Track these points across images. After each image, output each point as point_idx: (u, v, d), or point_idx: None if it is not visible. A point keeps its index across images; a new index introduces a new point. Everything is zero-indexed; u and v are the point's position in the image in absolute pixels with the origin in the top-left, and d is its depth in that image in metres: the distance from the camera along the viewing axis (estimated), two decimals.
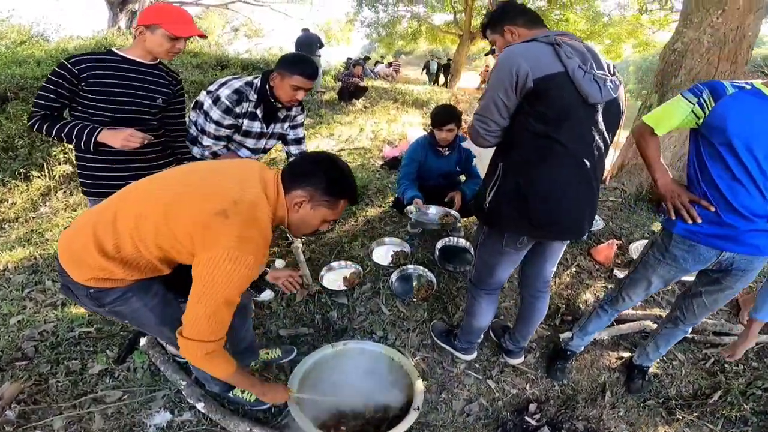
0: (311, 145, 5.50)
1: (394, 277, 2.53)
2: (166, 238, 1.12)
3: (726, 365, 2.21)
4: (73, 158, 2.67)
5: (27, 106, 5.80)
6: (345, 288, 2.44)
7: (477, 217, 1.65)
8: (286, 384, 1.62)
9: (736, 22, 3.70)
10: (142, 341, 1.96)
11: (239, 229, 1.08)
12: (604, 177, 3.86)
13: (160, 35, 1.66)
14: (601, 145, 1.42)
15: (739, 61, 3.71)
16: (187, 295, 1.11)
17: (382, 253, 2.77)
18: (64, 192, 3.99)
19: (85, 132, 1.62)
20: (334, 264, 2.64)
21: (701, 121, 1.41)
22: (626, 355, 2.22)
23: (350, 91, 7.87)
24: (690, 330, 1.85)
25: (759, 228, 1.40)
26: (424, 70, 14.46)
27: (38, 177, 3.99)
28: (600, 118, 1.38)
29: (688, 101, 1.44)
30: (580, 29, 14.98)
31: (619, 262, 2.93)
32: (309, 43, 8.22)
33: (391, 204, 3.46)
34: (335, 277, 2.55)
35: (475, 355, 2.07)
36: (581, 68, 1.31)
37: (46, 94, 1.61)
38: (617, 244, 2.95)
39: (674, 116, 1.47)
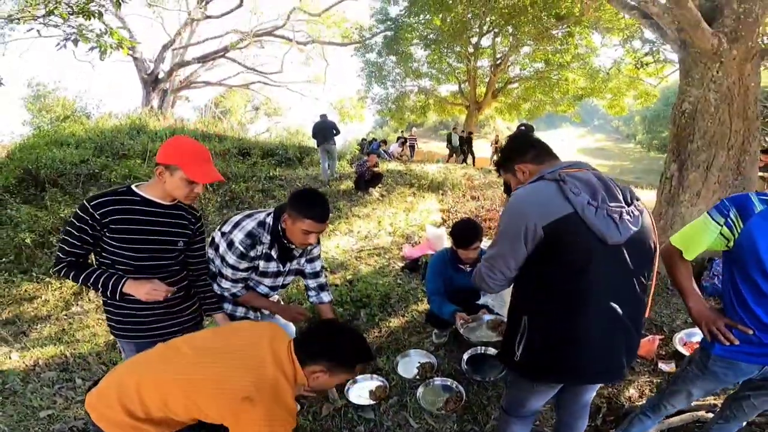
0: (331, 244, 5.47)
1: (420, 389, 2.49)
2: (198, 413, 1.22)
3: None
4: None
5: (65, 196, 6.09)
6: (372, 402, 2.41)
7: (511, 369, 1.57)
8: None
9: (736, 73, 3.65)
10: None
11: (267, 410, 1.19)
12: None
13: (179, 178, 1.58)
14: (635, 287, 1.33)
15: (749, 116, 3.64)
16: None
17: (408, 366, 2.74)
18: (96, 293, 4.17)
19: (111, 282, 1.61)
20: (359, 378, 2.61)
21: (731, 243, 1.36)
22: None
23: (366, 180, 7.92)
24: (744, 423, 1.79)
25: None
26: (448, 144, 14.95)
27: None
28: (627, 258, 1.28)
29: (717, 222, 1.37)
30: (580, 87, 15.47)
31: (663, 353, 2.82)
32: (324, 128, 8.56)
33: (420, 310, 3.46)
34: (361, 391, 2.52)
35: None
36: (591, 204, 1.23)
37: (71, 240, 1.57)
38: (659, 339, 2.86)
39: (702, 239, 1.42)
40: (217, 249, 1.98)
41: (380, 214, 6.95)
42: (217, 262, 1.99)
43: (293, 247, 1.98)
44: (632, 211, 1.30)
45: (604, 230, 1.23)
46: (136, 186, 1.66)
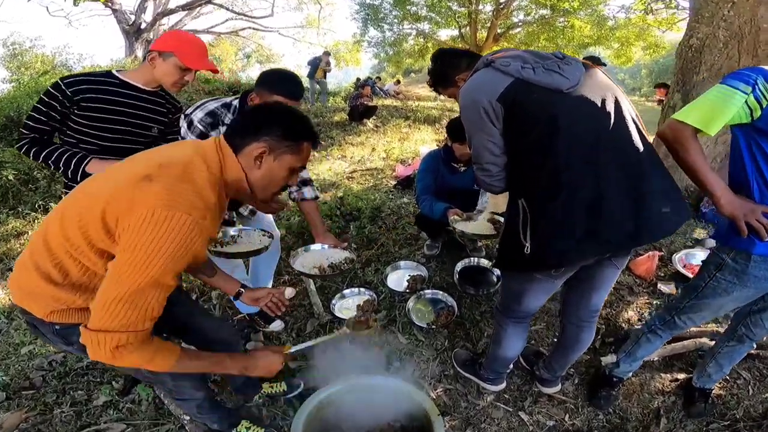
0: (323, 167, 5.53)
1: (410, 303, 2.38)
2: (97, 231, 0.93)
3: None
4: None
5: None
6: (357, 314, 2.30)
7: (518, 269, 1.43)
8: (290, 425, 1.46)
9: (748, 14, 3.59)
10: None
11: (166, 186, 0.90)
12: None
13: (172, 64, 1.59)
14: (629, 130, 1.25)
15: (760, 54, 3.57)
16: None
17: (398, 278, 2.64)
18: (57, 172, 4.10)
19: (74, 161, 1.56)
20: (347, 292, 2.52)
21: (759, 114, 1.20)
22: (681, 376, 2.02)
23: (360, 111, 7.96)
24: (755, 345, 1.68)
25: None
26: None
27: None
28: (589, 94, 1.24)
29: (742, 92, 1.20)
30: (586, 35, 14.92)
31: (662, 274, 2.72)
32: (315, 64, 8.77)
33: (412, 223, 3.35)
34: (348, 305, 2.43)
35: (504, 385, 1.91)
36: (525, 67, 1.25)
37: (36, 115, 1.55)
38: (658, 256, 2.75)
39: (726, 110, 1.21)
40: (179, 133, 1.85)
41: (374, 142, 7.03)
42: None
43: None
44: (568, 60, 1.30)
45: (550, 80, 1.24)
46: (117, 71, 1.66)
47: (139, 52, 14.68)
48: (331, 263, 1.85)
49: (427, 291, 2.50)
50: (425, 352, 2.11)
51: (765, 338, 2.05)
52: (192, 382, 1.37)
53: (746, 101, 1.19)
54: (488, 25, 16.54)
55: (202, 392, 1.43)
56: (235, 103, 1.82)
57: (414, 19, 16.87)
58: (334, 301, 2.42)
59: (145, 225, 0.86)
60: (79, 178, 1.56)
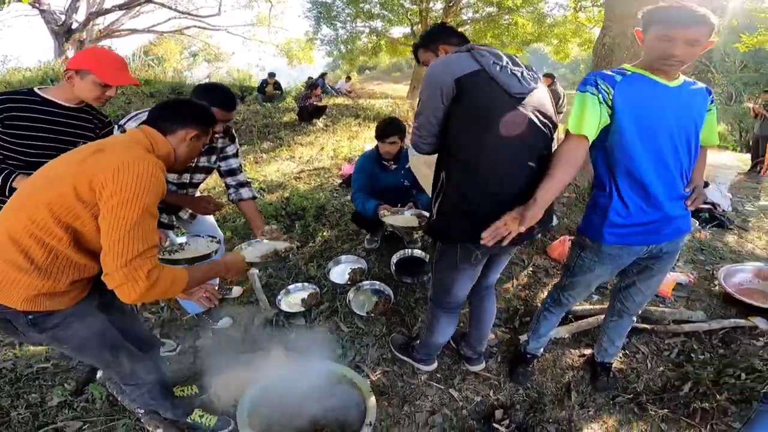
0: (271, 168, 5.49)
1: (351, 294, 2.55)
2: (67, 205, 1.11)
3: (692, 354, 2.20)
4: None
5: None
6: (303, 309, 2.45)
7: (430, 235, 1.65)
8: (235, 414, 1.63)
9: None
10: (99, 374, 1.97)
11: (120, 149, 1.17)
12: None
13: (91, 81, 1.61)
14: (535, 134, 1.42)
15: None
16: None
17: (340, 272, 2.79)
18: None
19: (0, 176, 1.57)
20: (291, 287, 2.64)
21: (611, 112, 1.38)
22: (588, 351, 2.21)
23: (309, 111, 7.91)
24: (636, 318, 1.88)
25: (678, 211, 1.48)
26: None
27: None
28: (530, 110, 1.40)
29: (591, 93, 1.38)
30: (528, 32, 15.49)
31: None
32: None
33: (350, 219, 3.48)
34: (293, 299, 2.56)
35: (435, 365, 2.07)
36: (496, 63, 1.38)
37: None
38: (570, 240, 2.99)
39: (593, 112, 1.37)
40: None
41: (323, 141, 7.00)
42: None
43: None
44: (532, 74, 1.46)
45: (507, 81, 1.38)
46: (39, 88, 1.66)
47: (70, 53, 13.77)
48: (275, 250, 2.01)
49: (366, 282, 2.66)
50: (365, 338, 2.27)
51: (659, 314, 2.37)
52: (145, 366, 1.50)
53: (599, 100, 1.37)
54: (439, 22, 16.83)
55: (153, 375, 1.54)
56: None
57: (367, 16, 16.66)
58: (279, 297, 2.54)
59: (121, 173, 1.08)
60: (7, 193, 1.57)
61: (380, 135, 2.68)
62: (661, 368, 2.13)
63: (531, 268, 2.90)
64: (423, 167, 2.22)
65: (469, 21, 17.01)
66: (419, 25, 16.87)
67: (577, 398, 1.96)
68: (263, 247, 2.08)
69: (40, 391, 1.97)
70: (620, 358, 2.19)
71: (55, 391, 1.95)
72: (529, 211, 1.31)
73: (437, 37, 1.64)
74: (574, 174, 1.40)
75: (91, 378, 1.98)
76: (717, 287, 2.75)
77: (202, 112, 1.44)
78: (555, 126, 1.52)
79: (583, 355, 2.20)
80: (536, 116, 1.42)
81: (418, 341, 2.04)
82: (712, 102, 1.51)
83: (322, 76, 13.58)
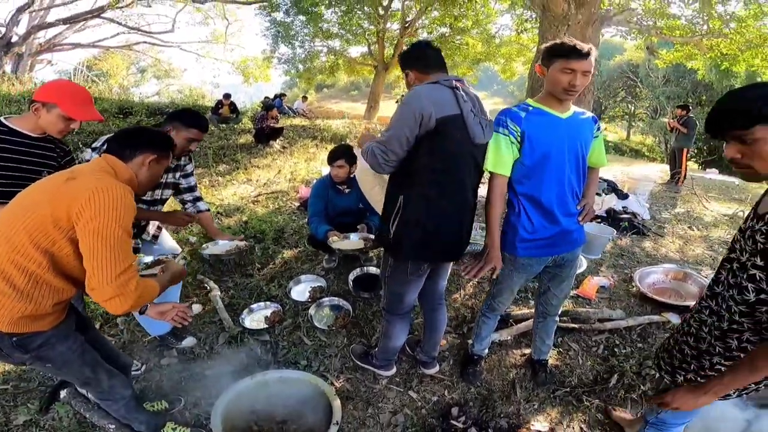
0: (227, 192, 5.43)
1: (312, 310, 2.70)
2: (45, 232, 1.20)
3: (615, 349, 2.48)
4: None
5: None
6: (266, 326, 2.56)
7: (383, 247, 1.84)
8: (206, 426, 1.75)
9: (579, 35, 4.18)
10: (63, 393, 1.97)
11: (90, 175, 1.27)
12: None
13: (56, 114, 1.66)
14: (477, 178, 1.75)
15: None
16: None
17: (300, 290, 2.94)
18: None
19: None
20: (254, 306, 2.75)
21: (519, 146, 1.65)
22: (528, 351, 2.40)
23: (266, 133, 7.86)
24: (558, 318, 2.13)
25: (572, 225, 1.77)
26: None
27: None
28: (479, 156, 1.69)
29: (503, 134, 1.65)
30: (478, 51, 16.36)
31: None
32: None
33: (306, 242, 3.61)
34: (256, 318, 2.67)
35: (394, 370, 2.23)
36: (472, 112, 1.59)
37: None
38: None
39: (506, 152, 1.65)
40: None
41: (281, 164, 6.96)
42: None
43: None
44: (490, 123, 1.69)
45: (476, 132, 1.61)
46: (4, 117, 1.70)
47: (8, 67, 13.08)
48: (237, 246, 2.55)
49: (326, 299, 2.82)
50: (328, 350, 2.41)
51: (584, 314, 2.68)
52: (122, 381, 1.60)
53: (509, 140, 1.64)
54: (395, 42, 17.15)
55: (129, 390, 1.64)
56: None
57: (325, 36, 16.97)
58: (242, 316, 2.64)
59: (97, 199, 1.19)
60: None
61: (329, 159, 2.92)
62: (590, 363, 2.40)
63: (476, 279, 3.16)
64: (373, 188, 2.36)
65: (424, 41, 17.63)
66: (376, 45, 17.45)
67: (523, 393, 2.16)
68: (226, 245, 2.66)
69: (2, 411, 1.97)
70: (555, 355, 2.43)
71: (20, 410, 1.95)
72: (491, 254, 1.72)
73: (419, 57, 1.74)
74: (504, 204, 1.74)
75: (54, 397, 1.99)
76: (634, 288, 3.13)
77: (158, 137, 1.54)
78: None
79: (524, 355, 2.43)
80: (480, 161, 1.72)
81: (376, 350, 2.20)
82: (598, 129, 1.82)
83: (281, 96, 13.47)
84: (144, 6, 15.56)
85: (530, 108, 1.67)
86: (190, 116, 2.04)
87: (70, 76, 17.50)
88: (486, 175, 1.76)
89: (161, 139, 1.54)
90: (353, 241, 2.81)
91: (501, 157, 1.67)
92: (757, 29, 7.06)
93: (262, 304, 2.78)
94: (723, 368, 1.18)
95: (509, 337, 2.54)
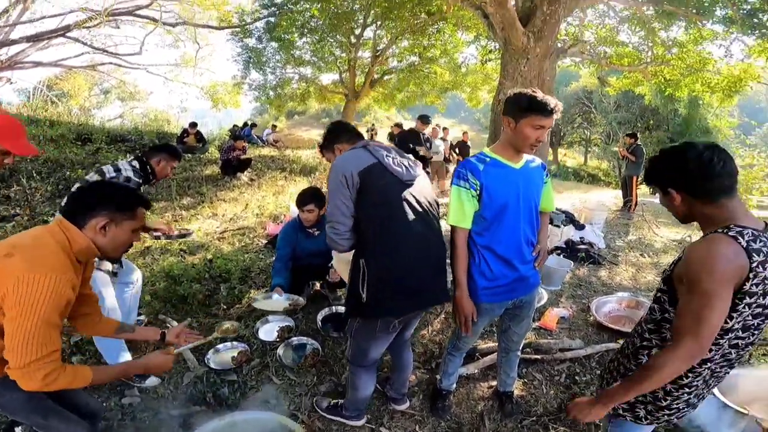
0: (192, 227, 5.26)
1: (281, 350, 2.68)
2: None
3: (576, 377, 2.57)
4: None
5: None
6: (233, 367, 2.53)
7: (357, 314, 1.80)
8: None
9: (537, 69, 4.37)
10: (17, 430, 1.89)
11: (27, 256, 1.20)
12: None
13: None
14: (428, 213, 1.78)
15: None
16: None
17: (268, 330, 2.90)
18: None
19: None
20: (220, 346, 2.70)
21: (479, 198, 1.71)
22: (494, 383, 2.44)
23: (233, 165, 7.66)
24: (520, 352, 2.21)
25: (529, 271, 1.88)
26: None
27: None
28: (416, 192, 1.75)
29: (464, 188, 1.70)
30: (446, 80, 16.88)
31: None
32: None
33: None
34: (223, 358, 2.62)
35: (365, 420, 2.18)
36: (389, 157, 1.73)
37: None
38: None
39: (467, 205, 1.72)
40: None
41: (248, 197, 6.81)
42: None
43: (153, 182, 2.63)
44: (414, 164, 1.84)
45: (399, 170, 1.73)
46: None
47: None
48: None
49: (294, 338, 2.81)
50: (298, 389, 2.40)
51: (546, 345, 2.79)
52: (81, 428, 1.54)
53: (471, 194, 1.70)
54: (366, 70, 17.59)
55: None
56: (135, 164, 2.46)
57: (297, 63, 17.15)
58: (208, 356, 2.58)
59: (21, 286, 1.16)
60: None
61: (298, 203, 2.93)
62: (554, 391, 2.48)
63: (443, 315, 3.24)
64: (342, 263, 2.47)
65: (394, 70, 18.28)
66: (347, 73, 17.82)
67: (491, 425, 2.20)
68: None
69: None
70: (520, 386, 2.50)
71: None
72: (462, 304, 1.80)
73: (333, 138, 1.94)
74: (467, 254, 1.81)
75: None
76: (591, 318, 3.30)
77: (114, 196, 1.40)
78: (437, 202, 1.92)
79: (491, 387, 2.48)
80: (424, 197, 1.79)
81: (345, 400, 2.16)
82: (547, 175, 1.95)
83: (251, 126, 13.32)
84: (112, 27, 15.28)
85: (487, 159, 1.75)
86: (174, 149, 2.59)
87: (29, 95, 16.81)
88: (446, 227, 1.84)
89: (119, 197, 1.40)
90: (275, 301, 2.81)
91: (463, 210, 1.73)
92: (697, 53, 7.44)
93: (228, 344, 2.73)
94: None
95: (476, 371, 2.61)
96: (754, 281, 1.08)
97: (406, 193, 1.73)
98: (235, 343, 2.74)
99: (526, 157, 1.82)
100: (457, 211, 1.74)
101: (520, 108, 1.64)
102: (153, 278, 3.62)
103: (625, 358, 1.42)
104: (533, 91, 1.66)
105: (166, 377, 2.44)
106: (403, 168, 1.75)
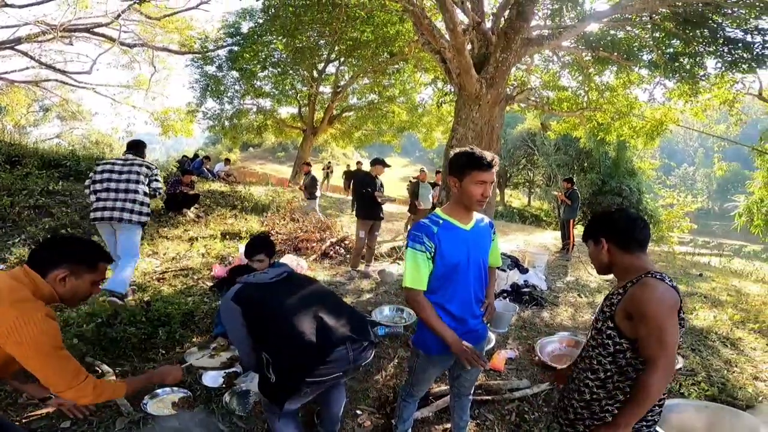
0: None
1: (227, 397, 2.56)
2: None
3: (525, 415, 2.67)
4: None
5: None
6: (174, 413, 2.37)
7: (270, 399, 1.90)
8: None
9: (487, 115, 4.51)
10: None
11: (9, 299, 1.30)
12: None
13: None
14: (306, 283, 2.11)
15: (492, 149, 4.55)
16: None
17: (213, 376, 2.76)
18: None
19: None
20: (159, 391, 2.52)
21: (433, 260, 1.77)
22: (449, 425, 2.44)
23: (179, 200, 7.21)
24: (471, 396, 2.26)
25: (478, 325, 1.98)
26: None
27: None
28: (290, 288, 2.02)
29: (420, 251, 1.75)
30: (403, 120, 17.40)
31: None
32: None
33: None
34: (162, 404, 2.46)
35: None
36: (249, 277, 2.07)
37: None
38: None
39: (422, 268, 1.76)
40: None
41: (194, 235, 6.41)
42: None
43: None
44: (283, 270, 2.13)
45: (262, 276, 2.06)
46: None
47: None
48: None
49: (242, 384, 2.68)
50: None
51: (495, 385, 2.89)
52: None
53: (426, 256, 1.75)
54: (326, 106, 17.60)
55: None
56: None
57: (257, 94, 16.90)
58: (145, 401, 2.41)
59: (15, 332, 1.27)
60: None
61: (247, 253, 2.71)
62: (505, 431, 2.55)
63: (396, 360, 3.26)
64: None
65: (352, 107, 18.59)
66: (307, 107, 17.87)
67: None
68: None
69: None
70: (474, 427, 2.55)
71: None
72: (456, 348, 1.78)
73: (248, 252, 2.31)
74: (431, 305, 1.82)
75: None
76: (536, 357, 3.45)
77: (75, 251, 1.48)
78: (312, 279, 2.19)
79: (446, 429, 2.49)
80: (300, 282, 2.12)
81: None
82: (494, 233, 2.07)
83: (203, 159, 12.58)
84: (65, 44, 14.53)
85: (440, 222, 1.82)
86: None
87: None
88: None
89: (79, 252, 1.49)
90: (216, 359, 2.92)
91: (419, 273, 1.77)
92: (625, 97, 8.08)
93: (168, 389, 2.55)
94: (611, 408, 1.51)
95: (430, 414, 2.64)
96: (681, 305, 1.44)
97: (277, 294, 1.99)
98: (175, 388, 2.57)
99: (476, 216, 1.91)
100: (414, 273, 1.77)
101: (460, 166, 1.76)
102: (78, 319, 3.30)
103: (579, 393, 1.58)
104: (471, 149, 1.78)
105: (95, 421, 2.27)
106: (263, 273, 2.11)
